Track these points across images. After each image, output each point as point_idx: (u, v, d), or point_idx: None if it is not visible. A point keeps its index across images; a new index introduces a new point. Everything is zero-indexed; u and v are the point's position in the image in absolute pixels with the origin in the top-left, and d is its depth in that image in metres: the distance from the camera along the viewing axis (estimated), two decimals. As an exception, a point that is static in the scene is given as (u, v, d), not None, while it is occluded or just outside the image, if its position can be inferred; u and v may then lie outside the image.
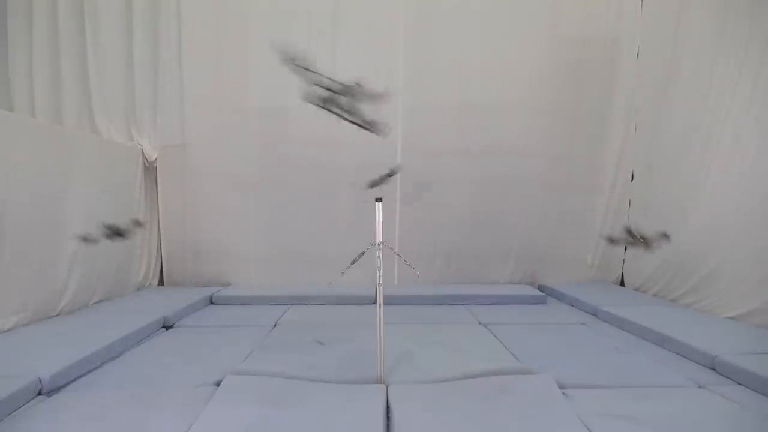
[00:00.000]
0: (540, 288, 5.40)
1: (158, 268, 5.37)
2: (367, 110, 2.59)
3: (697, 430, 2.13)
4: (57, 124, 4.86)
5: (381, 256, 2.55)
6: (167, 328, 3.85)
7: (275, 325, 3.91)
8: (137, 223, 3.90)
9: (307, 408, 2.25)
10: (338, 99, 2.52)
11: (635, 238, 3.19)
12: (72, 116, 5.05)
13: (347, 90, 2.49)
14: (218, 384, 2.47)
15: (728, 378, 2.77)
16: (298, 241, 5.38)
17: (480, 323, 4.01)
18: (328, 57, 5.27)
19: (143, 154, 5.09)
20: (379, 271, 2.54)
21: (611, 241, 4.83)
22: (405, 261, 2.72)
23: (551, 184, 5.46)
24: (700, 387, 2.64)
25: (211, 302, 4.77)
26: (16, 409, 2.24)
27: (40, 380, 2.43)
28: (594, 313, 4.34)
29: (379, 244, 2.55)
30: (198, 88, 5.18)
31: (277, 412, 2.19)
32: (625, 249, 5.40)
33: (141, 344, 3.36)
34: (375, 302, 2.59)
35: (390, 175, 3.08)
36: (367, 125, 2.64)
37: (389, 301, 2.70)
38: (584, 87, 5.41)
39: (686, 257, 4.38)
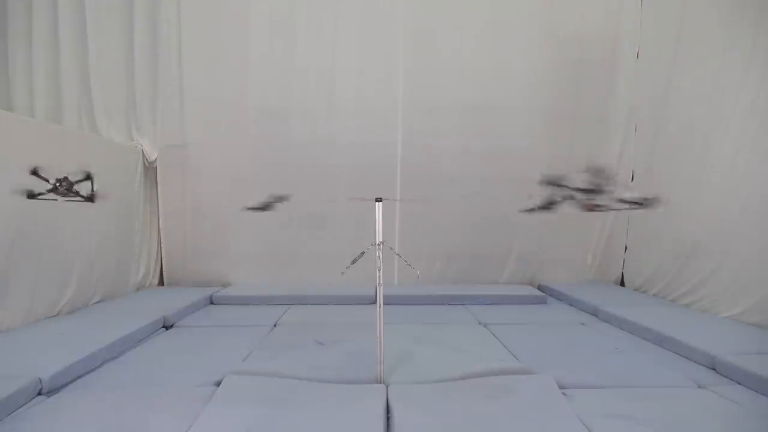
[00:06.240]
0: (540, 288, 5.39)
1: (158, 268, 5.37)
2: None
3: (697, 430, 2.13)
4: (57, 124, 4.86)
5: (381, 256, 2.55)
6: (167, 328, 3.84)
7: (275, 325, 3.91)
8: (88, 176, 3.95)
9: (307, 408, 2.25)
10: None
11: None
12: (72, 116, 5.04)
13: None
14: (218, 384, 2.47)
15: (728, 378, 2.77)
16: (298, 241, 5.38)
17: (480, 323, 4.01)
18: (329, 56, 5.28)
19: (143, 154, 5.09)
20: (379, 271, 2.54)
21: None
22: (405, 261, 2.72)
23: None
24: (700, 387, 2.64)
25: (211, 302, 4.76)
26: (16, 409, 2.23)
27: (40, 380, 2.43)
28: (594, 313, 4.34)
29: (379, 244, 2.55)
30: (198, 88, 5.18)
31: (277, 412, 2.19)
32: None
33: (141, 344, 3.36)
34: (375, 302, 2.59)
35: (275, 201, 3.30)
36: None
37: (389, 301, 2.70)
38: (584, 87, 5.41)
39: (686, 257, 4.38)
